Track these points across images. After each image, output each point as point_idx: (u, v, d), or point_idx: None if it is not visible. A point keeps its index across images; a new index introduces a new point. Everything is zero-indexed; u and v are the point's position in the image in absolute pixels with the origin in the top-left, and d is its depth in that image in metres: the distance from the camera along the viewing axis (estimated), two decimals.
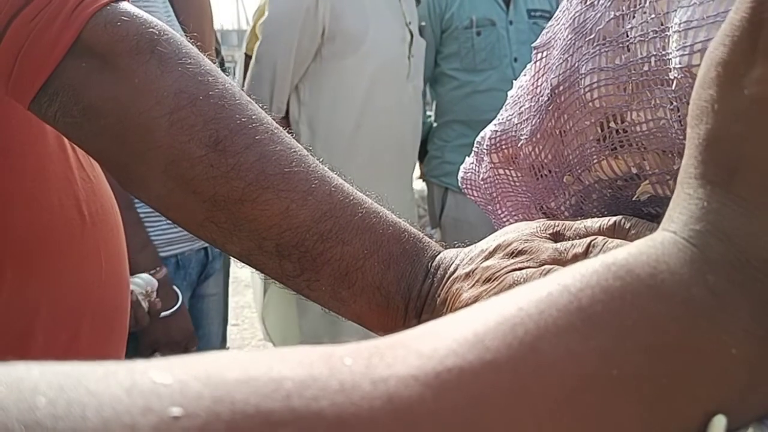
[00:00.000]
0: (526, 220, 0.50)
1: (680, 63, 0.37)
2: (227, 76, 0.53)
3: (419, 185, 2.83)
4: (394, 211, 0.51)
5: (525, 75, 0.50)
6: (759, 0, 0.22)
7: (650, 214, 0.47)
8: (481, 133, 0.54)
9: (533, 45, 0.49)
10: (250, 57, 1.87)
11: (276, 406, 0.17)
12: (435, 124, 2.27)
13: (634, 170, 0.44)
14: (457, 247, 0.48)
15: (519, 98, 0.50)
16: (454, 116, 2.19)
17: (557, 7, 0.52)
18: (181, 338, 1.27)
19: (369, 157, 1.83)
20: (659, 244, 0.23)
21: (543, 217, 0.50)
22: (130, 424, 0.16)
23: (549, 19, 0.49)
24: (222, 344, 2.12)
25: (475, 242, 0.46)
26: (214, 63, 0.53)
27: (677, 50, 0.37)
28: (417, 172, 2.83)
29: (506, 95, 0.52)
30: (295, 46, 1.75)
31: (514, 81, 0.52)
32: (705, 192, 0.23)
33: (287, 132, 0.52)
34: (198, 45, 0.55)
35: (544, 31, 0.48)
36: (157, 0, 1.29)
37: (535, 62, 0.48)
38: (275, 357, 0.19)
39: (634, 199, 0.44)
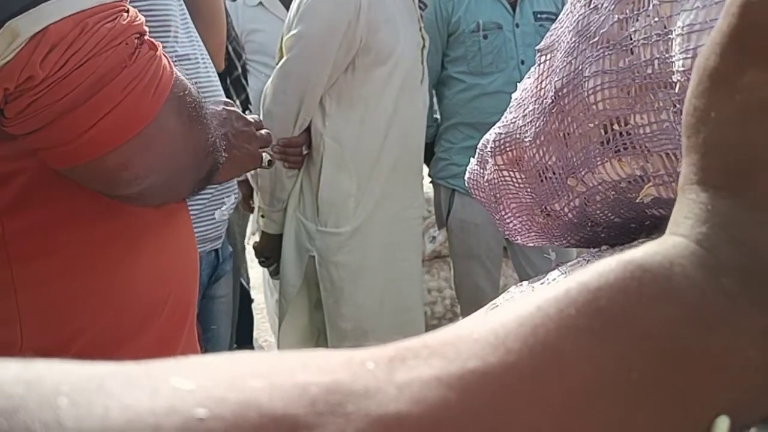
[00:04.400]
0: (530, 221, 0.50)
1: (683, 66, 0.37)
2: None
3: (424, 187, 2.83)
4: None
5: (529, 78, 0.50)
6: (744, 6, 0.22)
7: (654, 216, 0.47)
8: (485, 137, 0.54)
9: (537, 48, 0.49)
10: None
11: (302, 411, 0.17)
12: (441, 126, 2.27)
13: (637, 172, 0.44)
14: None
15: (523, 101, 0.50)
16: (460, 119, 2.19)
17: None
18: None
19: (393, 166, 1.84)
20: (671, 245, 0.23)
21: (546, 219, 0.50)
22: (153, 424, 0.16)
23: (555, 21, 0.49)
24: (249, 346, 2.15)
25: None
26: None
27: (680, 53, 0.37)
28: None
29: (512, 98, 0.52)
30: (332, 60, 1.73)
31: (520, 84, 0.53)
32: (708, 196, 0.23)
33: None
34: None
35: (547, 34, 0.49)
36: (173, 2, 1.27)
37: (539, 65, 0.49)
38: (296, 362, 0.19)
39: (637, 201, 0.45)
